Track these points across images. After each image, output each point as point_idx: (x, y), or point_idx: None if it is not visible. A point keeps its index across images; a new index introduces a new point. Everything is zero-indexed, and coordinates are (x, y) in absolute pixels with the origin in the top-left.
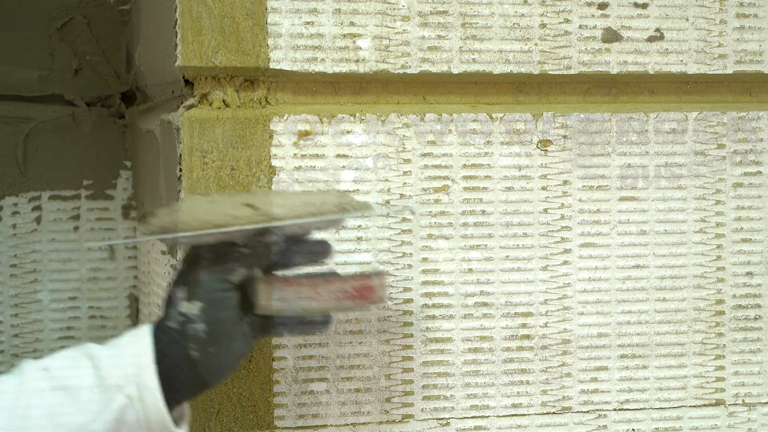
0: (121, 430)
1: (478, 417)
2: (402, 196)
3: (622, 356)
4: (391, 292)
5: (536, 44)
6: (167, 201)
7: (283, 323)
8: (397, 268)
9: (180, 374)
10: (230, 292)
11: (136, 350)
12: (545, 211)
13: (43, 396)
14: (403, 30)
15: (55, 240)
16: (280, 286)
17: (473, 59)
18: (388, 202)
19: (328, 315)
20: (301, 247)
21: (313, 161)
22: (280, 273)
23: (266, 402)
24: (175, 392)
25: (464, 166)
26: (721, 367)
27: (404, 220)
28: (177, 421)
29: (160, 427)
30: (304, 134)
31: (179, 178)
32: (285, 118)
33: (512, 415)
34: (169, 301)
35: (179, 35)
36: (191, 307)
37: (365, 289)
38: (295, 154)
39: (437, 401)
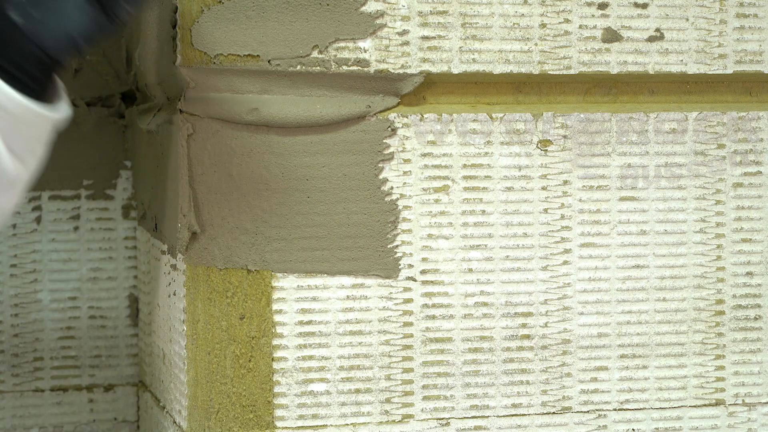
0: (6, 137)
1: (478, 417)
2: (402, 196)
3: (622, 356)
4: (391, 293)
5: (536, 44)
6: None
7: None
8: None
9: (12, 46)
10: None
11: None
12: (545, 211)
13: None
14: (403, 30)
15: (55, 240)
16: None
17: (473, 59)
18: None
19: None
20: None
21: None
22: None
23: (266, 402)
24: (23, 79)
25: (464, 166)
26: (721, 367)
27: (404, 220)
28: (50, 98)
29: (32, 117)
30: None
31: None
32: None
33: (512, 415)
34: None
35: (179, 35)
36: None
37: None
38: None
39: (437, 401)
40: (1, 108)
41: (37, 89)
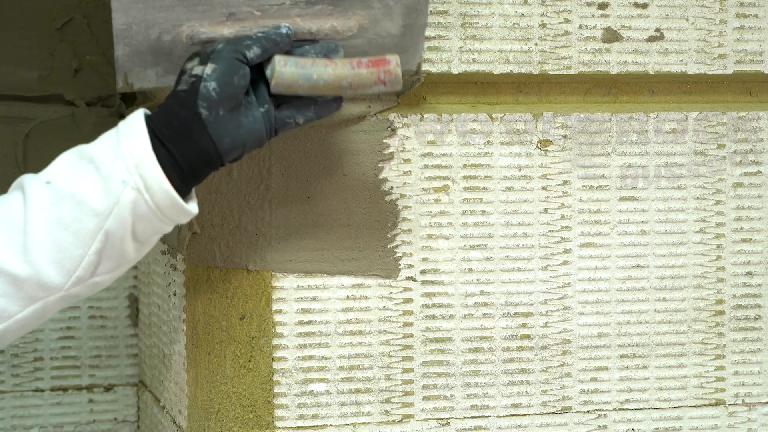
0: (137, 223)
1: (478, 417)
2: (402, 196)
3: (622, 356)
4: (391, 293)
5: (536, 44)
6: None
7: (294, 104)
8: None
9: (189, 140)
10: (244, 65)
11: (132, 140)
12: (545, 211)
13: (52, 209)
14: None
15: None
16: (295, 57)
17: (473, 59)
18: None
19: (339, 96)
20: (314, 44)
21: None
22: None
23: (266, 402)
24: (186, 171)
25: (464, 166)
26: (721, 367)
27: (404, 220)
28: (187, 200)
29: (172, 211)
30: None
31: None
32: None
33: (512, 415)
34: (181, 73)
35: None
36: (204, 69)
37: (380, 61)
38: None
39: (437, 401)
40: (150, 192)
41: (190, 185)
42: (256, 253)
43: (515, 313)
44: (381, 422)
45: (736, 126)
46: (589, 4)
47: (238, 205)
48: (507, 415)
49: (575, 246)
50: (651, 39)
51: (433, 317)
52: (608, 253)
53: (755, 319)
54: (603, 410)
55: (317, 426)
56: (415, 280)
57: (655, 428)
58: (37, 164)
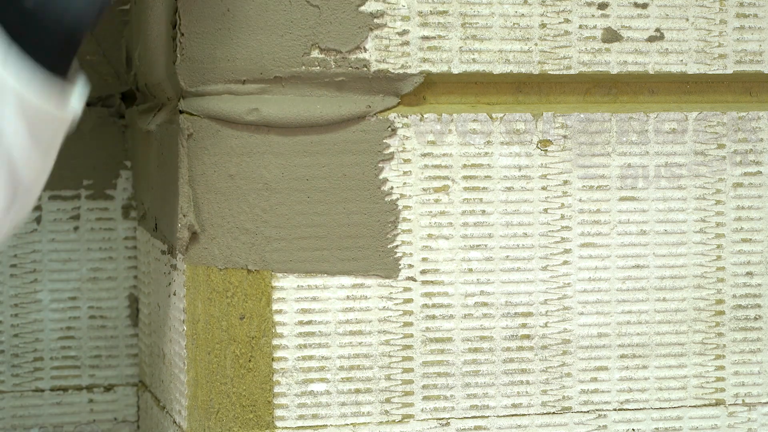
0: (37, 135)
1: (478, 417)
2: (402, 196)
3: (622, 356)
4: (391, 293)
5: (536, 44)
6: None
7: None
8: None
9: (28, 37)
10: None
11: None
12: (545, 211)
13: None
14: (403, 30)
15: (55, 240)
16: None
17: (473, 59)
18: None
19: None
20: None
21: None
22: None
23: (266, 402)
24: (42, 63)
25: (464, 166)
26: (721, 367)
27: (404, 220)
28: (66, 95)
29: (48, 106)
30: None
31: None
32: None
33: (512, 415)
34: None
35: (179, 36)
36: None
37: None
38: None
39: (437, 401)
40: (26, 102)
41: (62, 71)
42: (256, 253)
43: (515, 313)
44: (381, 422)
45: (736, 126)
46: (589, 4)
47: (238, 205)
48: (507, 415)
49: (575, 246)
50: (651, 39)
51: (433, 317)
52: (608, 253)
53: (755, 319)
54: (603, 410)
55: (317, 426)
56: (415, 280)
57: (655, 428)
58: None
